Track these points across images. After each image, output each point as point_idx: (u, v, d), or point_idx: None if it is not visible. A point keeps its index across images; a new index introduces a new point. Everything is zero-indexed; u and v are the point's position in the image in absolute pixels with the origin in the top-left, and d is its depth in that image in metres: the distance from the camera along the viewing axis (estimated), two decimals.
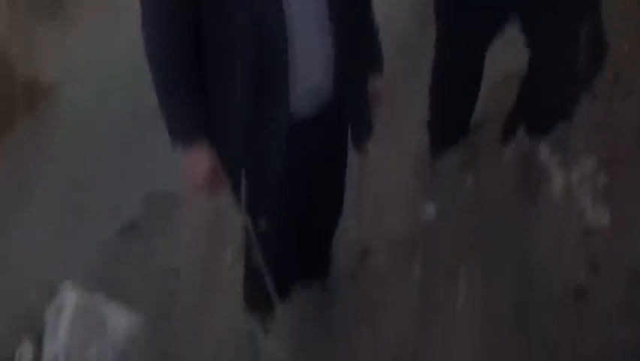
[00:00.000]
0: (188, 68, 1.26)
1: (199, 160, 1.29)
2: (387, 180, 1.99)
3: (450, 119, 1.90)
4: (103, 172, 3.35)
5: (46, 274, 2.71)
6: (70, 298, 1.59)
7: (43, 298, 2.20)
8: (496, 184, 1.42)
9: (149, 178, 3.03)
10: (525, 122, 1.58)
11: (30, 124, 3.88)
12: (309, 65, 1.26)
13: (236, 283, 1.82)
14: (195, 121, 1.28)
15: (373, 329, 1.53)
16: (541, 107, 1.58)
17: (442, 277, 1.50)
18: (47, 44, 3.71)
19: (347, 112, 1.38)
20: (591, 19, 1.46)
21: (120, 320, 1.60)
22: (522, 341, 1.08)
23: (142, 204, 2.88)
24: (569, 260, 1.05)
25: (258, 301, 1.55)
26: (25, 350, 1.91)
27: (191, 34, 1.24)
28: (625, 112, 1.47)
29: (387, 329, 1.49)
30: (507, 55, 1.79)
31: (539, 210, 1.23)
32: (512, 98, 1.76)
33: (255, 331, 1.55)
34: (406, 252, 1.68)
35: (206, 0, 1.22)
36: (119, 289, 2.14)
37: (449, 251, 1.54)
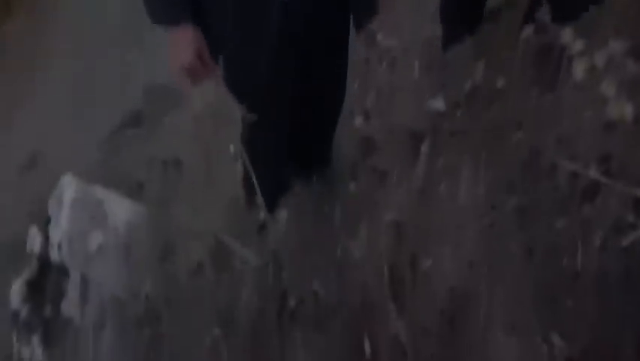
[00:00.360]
0: None
1: (184, 43, 1.20)
2: (395, 71, 1.89)
3: (463, 5, 1.75)
4: (102, 64, 3.26)
5: (49, 164, 2.72)
6: (69, 189, 1.59)
7: (47, 188, 2.23)
8: (510, 74, 1.32)
9: (149, 69, 2.95)
10: (551, 7, 1.44)
11: (27, 17, 3.73)
12: None
13: (239, 175, 1.81)
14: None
15: (374, 223, 1.52)
16: None
17: (446, 174, 1.46)
18: None
19: None
20: None
21: (121, 210, 1.61)
22: (523, 239, 1.06)
23: (143, 95, 2.82)
24: (582, 157, 0.99)
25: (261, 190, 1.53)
26: (34, 237, 1.97)
27: None
28: None
29: (388, 224, 1.48)
30: None
31: (555, 101, 1.15)
32: None
33: (257, 223, 1.56)
34: (411, 146, 1.63)
35: None
36: (121, 180, 2.15)
37: (456, 146, 1.48)
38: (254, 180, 1.38)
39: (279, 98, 1.31)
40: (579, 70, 0.94)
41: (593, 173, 0.90)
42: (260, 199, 1.42)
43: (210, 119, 2.50)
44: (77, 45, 3.45)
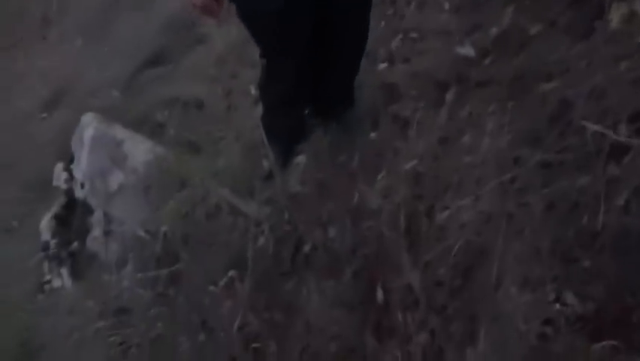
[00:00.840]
0: None
1: None
2: (423, 12, 1.79)
3: None
4: (123, 2, 3.20)
5: (72, 102, 2.74)
6: (89, 128, 1.59)
7: (71, 125, 2.25)
8: (542, 20, 1.24)
9: (169, 6, 2.88)
10: None
11: None
12: None
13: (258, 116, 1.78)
14: None
15: (393, 173, 1.50)
16: None
17: (470, 125, 1.42)
18: None
19: None
20: None
21: (140, 151, 1.62)
22: (545, 195, 1.03)
23: (164, 33, 2.77)
24: (613, 112, 0.93)
25: (276, 135, 1.52)
26: (59, 174, 2.01)
27: None
28: None
29: (407, 173, 1.46)
30: None
31: (588, 51, 1.08)
32: None
33: (274, 166, 1.55)
34: (436, 94, 1.57)
35: None
36: (142, 120, 2.15)
37: (481, 95, 1.42)
38: (262, 129, 1.35)
39: (295, 33, 1.23)
40: (616, 16, 0.86)
41: (622, 134, 0.85)
42: (268, 149, 1.40)
43: (232, 61, 2.45)
44: None
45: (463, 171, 1.28)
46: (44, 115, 3.01)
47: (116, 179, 1.56)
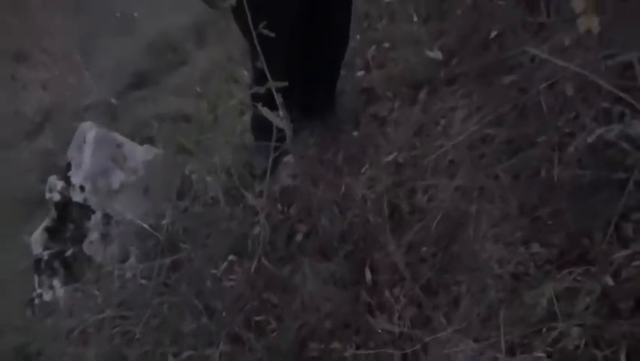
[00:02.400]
0: None
1: None
2: (394, 23, 1.97)
3: None
4: (107, 23, 3.32)
5: (65, 120, 2.82)
6: (90, 132, 1.68)
7: (62, 142, 2.33)
8: (503, 20, 1.41)
9: (151, 28, 3.01)
10: None
11: None
12: None
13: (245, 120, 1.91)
14: None
15: (375, 165, 1.63)
16: None
17: (442, 117, 1.57)
18: None
19: None
20: None
21: (138, 153, 1.71)
22: (511, 166, 1.16)
23: (147, 55, 2.89)
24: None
25: (265, 134, 1.64)
26: (54, 184, 2.07)
27: None
28: None
29: (388, 164, 1.60)
30: None
31: (542, 41, 1.25)
32: None
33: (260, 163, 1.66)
34: (410, 95, 1.73)
35: None
36: (131, 136, 2.25)
37: (450, 90, 1.59)
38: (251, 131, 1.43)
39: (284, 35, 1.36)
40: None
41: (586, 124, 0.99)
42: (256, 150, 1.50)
43: (216, 78, 2.59)
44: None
45: (438, 155, 1.43)
46: (28, 139, 3.07)
47: (118, 178, 1.64)
